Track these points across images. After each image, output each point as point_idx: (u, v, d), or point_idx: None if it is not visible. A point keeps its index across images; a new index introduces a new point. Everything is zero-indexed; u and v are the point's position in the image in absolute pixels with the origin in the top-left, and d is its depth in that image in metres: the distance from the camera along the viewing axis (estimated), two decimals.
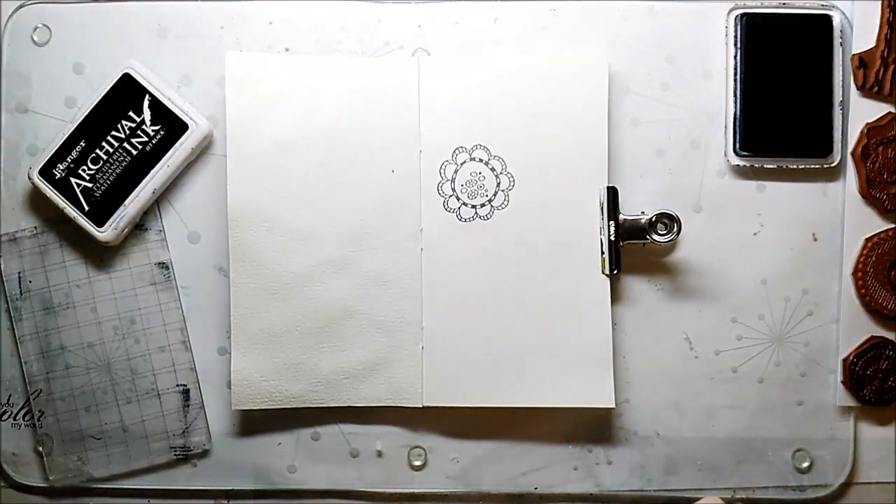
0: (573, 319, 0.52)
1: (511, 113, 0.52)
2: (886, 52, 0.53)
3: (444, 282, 0.52)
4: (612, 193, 0.51)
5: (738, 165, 0.53)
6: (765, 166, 0.53)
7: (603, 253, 0.52)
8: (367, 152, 0.52)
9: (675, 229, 0.51)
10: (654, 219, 0.51)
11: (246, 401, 0.52)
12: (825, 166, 0.53)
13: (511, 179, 0.52)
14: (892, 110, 0.53)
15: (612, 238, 0.51)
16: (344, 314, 0.52)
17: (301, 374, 0.52)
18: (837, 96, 0.53)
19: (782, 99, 0.53)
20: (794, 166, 0.53)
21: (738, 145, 0.52)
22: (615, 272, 0.52)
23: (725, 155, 0.53)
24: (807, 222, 0.54)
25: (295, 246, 0.52)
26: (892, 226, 0.53)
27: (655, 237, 0.51)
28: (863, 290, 0.53)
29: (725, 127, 0.53)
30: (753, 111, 0.52)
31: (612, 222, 0.51)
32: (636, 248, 0.53)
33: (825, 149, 0.53)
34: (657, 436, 0.54)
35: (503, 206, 0.52)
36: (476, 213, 0.52)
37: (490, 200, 0.52)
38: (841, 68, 0.52)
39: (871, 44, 0.53)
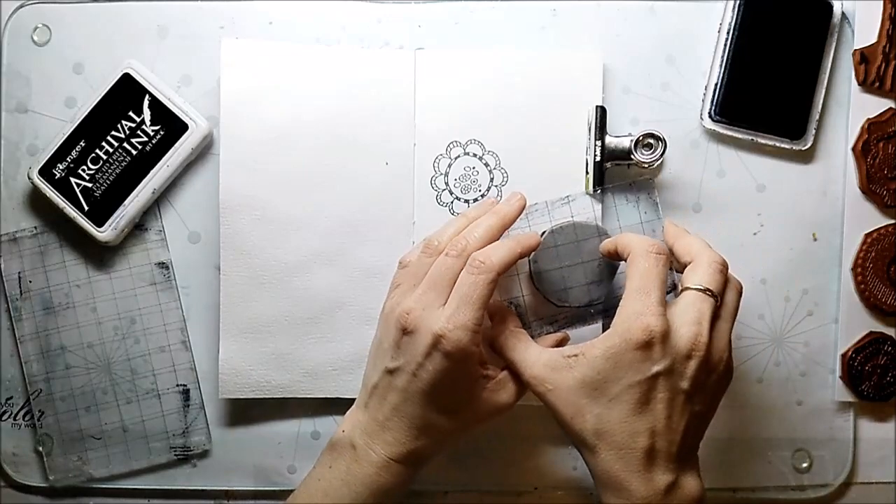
0: None
1: (506, 109, 0.52)
2: (888, 48, 0.53)
3: None
4: (601, 113, 0.51)
5: (711, 130, 0.53)
6: (736, 135, 0.53)
7: (588, 172, 0.52)
8: (362, 144, 0.52)
9: (661, 149, 0.51)
10: (639, 139, 0.51)
11: (233, 389, 0.52)
12: (795, 148, 0.53)
13: (504, 175, 0.52)
14: (893, 106, 0.53)
15: (598, 158, 0.51)
16: (334, 305, 0.52)
17: (289, 365, 0.52)
18: (823, 82, 0.52)
19: (767, 75, 0.52)
20: (765, 142, 0.53)
21: (714, 110, 0.52)
22: (598, 191, 0.51)
23: (701, 118, 0.53)
24: (807, 222, 0.54)
25: (286, 236, 0.52)
26: (892, 221, 0.53)
27: (639, 157, 0.50)
28: (862, 286, 0.53)
29: (705, 90, 0.53)
30: (736, 81, 0.52)
31: (598, 142, 0.51)
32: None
33: (798, 131, 0.53)
34: None
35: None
36: (469, 207, 0.52)
37: (483, 195, 0.52)
38: (832, 56, 0.52)
39: (873, 39, 0.53)
